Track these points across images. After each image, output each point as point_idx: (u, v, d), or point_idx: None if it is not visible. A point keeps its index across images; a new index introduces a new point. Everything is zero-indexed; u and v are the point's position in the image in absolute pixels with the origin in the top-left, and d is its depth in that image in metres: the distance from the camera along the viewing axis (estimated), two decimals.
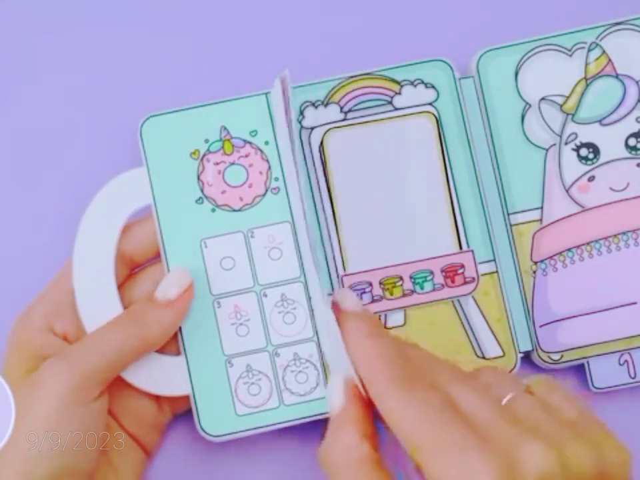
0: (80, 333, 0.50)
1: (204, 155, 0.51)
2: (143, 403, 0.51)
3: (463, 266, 0.52)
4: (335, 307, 0.47)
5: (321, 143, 0.52)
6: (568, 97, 0.53)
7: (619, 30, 0.53)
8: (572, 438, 0.41)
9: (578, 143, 0.53)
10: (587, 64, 0.53)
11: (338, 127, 0.52)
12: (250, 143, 0.52)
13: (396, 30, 0.55)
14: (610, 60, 0.53)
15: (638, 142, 0.53)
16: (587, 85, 0.53)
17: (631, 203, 0.53)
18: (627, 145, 0.53)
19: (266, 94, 0.52)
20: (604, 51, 0.53)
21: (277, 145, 0.51)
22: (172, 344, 0.51)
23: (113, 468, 0.50)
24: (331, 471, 0.44)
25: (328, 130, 0.52)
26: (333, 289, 0.52)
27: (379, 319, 0.52)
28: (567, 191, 0.53)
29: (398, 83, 0.52)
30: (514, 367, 0.51)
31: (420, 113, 0.52)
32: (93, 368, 0.47)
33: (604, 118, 0.53)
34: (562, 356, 0.52)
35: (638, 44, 0.53)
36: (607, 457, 0.42)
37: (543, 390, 0.44)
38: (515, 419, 0.42)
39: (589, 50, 0.53)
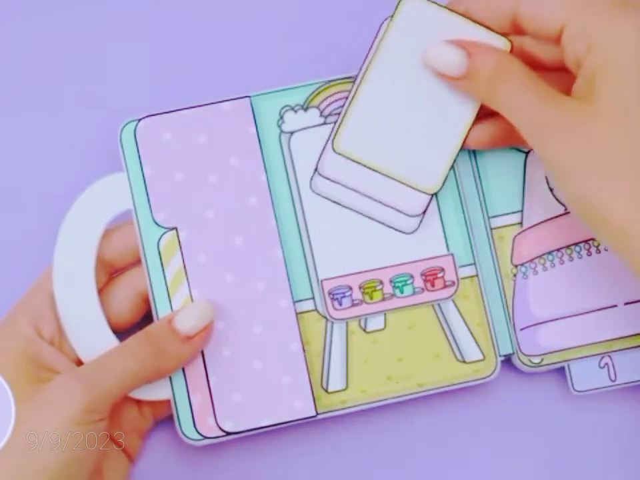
0: (64, 336, 0.50)
1: None
2: (124, 407, 0.51)
3: (443, 270, 0.52)
4: None
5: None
6: None
7: None
8: None
9: None
10: None
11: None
12: None
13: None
14: None
15: None
16: None
17: None
18: None
19: (249, 97, 0.52)
20: None
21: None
22: None
23: (98, 473, 0.50)
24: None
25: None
26: (312, 295, 0.52)
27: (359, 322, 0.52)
28: (551, 191, 0.53)
29: None
30: (494, 371, 0.52)
31: None
32: (106, 392, 0.47)
33: None
34: (542, 359, 0.52)
35: None
36: None
37: None
38: None
39: None
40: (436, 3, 0.50)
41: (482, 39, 0.49)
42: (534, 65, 0.49)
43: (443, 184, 0.51)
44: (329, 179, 0.51)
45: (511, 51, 0.49)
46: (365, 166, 0.50)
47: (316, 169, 0.52)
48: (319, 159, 0.51)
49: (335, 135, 0.50)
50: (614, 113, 0.44)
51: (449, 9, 0.49)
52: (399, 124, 0.50)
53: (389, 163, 0.50)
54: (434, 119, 0.50)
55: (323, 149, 0.51)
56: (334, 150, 0.50)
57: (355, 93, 0.50)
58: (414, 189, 0.51)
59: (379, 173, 0.50)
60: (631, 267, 0.45)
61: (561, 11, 0.46)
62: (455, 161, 0.51)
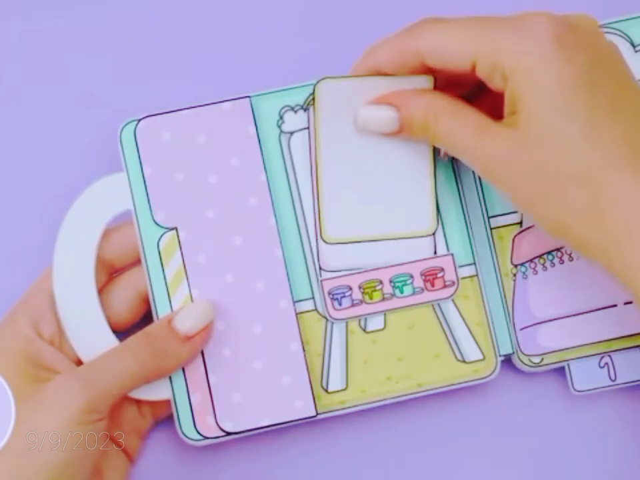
0: (64, 335, 0.50)
1: None
2: (124, 407, 0.51)
3: (442, 269, 0.52)
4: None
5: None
6: None
7: None
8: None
9: None
10: None
11: None
12: None
13: (375, 35, 0.55)
14: None
15: None
16: None
17: None
18: None
19: (249, 97, 0.52)
20: None
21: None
22: None
23: (98, 473, 0.50)
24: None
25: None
26: (312, 294, 0.52)
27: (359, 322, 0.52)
28: None
29: None
30: (494, 371, 0.52)
31: None
32: (106, 391, 0.47)
33: None
34: (542, 359, 0.52)
35: None
36: None
37: None
38: None
39: None
40: (347, 76, 0.50)
41: (404, 87, 0.49)
42: (463, 85, 0.50)
43: (438, 219, 0.51)
44: (335, 270, 0.52)
45: (435, 86, 0.49)
46: (361, 242, 0.51)
47: (321, 268, 0.52)
48: (318, 259, 0.52)
49: (321, 229, 0.51)
50: (537, 137, 0.44)
51: (361, 75, 0.49)
52: (371, 190, 0.51)
53: (381, 228, 0.51)
54: (399, 169, 0.51)
55: (317, 248, 0.52)
56: (326, 242, 0.51)
57: (317, 183, 0.51)
58: (415, 237, 0.51)
59: (377, 240, 0.51)
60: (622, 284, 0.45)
61: (466, 50, 0.46)
62: (436, 193, 0.51)
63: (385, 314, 0.52)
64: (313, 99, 0.50)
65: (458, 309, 0.52)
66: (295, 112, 0.52)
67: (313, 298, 0.52)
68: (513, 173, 0.45)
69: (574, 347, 0.52)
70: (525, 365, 0.52)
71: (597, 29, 0.46)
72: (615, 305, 0.52)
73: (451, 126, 0.47)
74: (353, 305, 0.52)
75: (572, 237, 0.45)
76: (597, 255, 0.44)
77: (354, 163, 0.51)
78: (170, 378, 0.50)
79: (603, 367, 0.53)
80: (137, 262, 0.52)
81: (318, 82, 0.49)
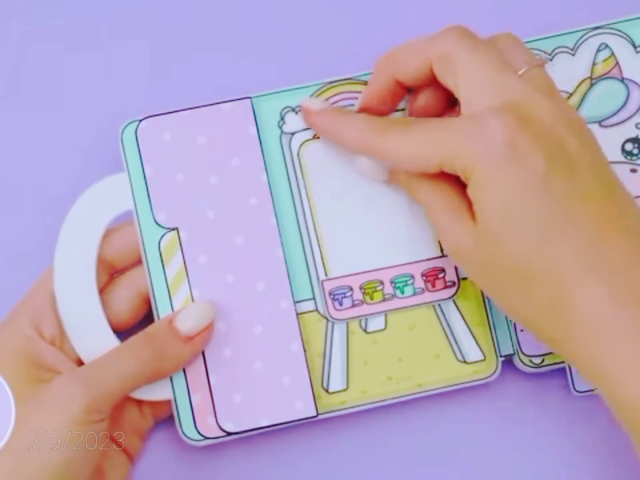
0: (65, 336, 0.50)
1: None
2: (124, 407, 0.51)
3: (443, 270, 0.52)
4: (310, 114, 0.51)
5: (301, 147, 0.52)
6: (571, 94, 0.53)
7: (598, 34, 0.53)
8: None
9: None
10: (594, 64, 0.53)
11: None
12: None
13: (376, 36, 0.56)
14: (617, 63, 0.53)
15: (634, 147, 0.53)
16: (592, 85, 0.53)
17: None
18: (623, 150, 0.53)
19: (250, 98, 0.52)
20: (612, 53, 0.53)
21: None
22: None
23: (99, 473, 0.50)
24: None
25: (310, 136, 0.52)
26: (313, 294, 0.52)
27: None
28: None
29: None
30: (494, 372, 0.52)
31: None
32: (107, 392, 0.47)
33: (604, 119, 0.53)
34: (543, 359, 0.52)
35: (617, 47, 0.53)
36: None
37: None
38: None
39: (598, 50, 0.53)
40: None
41: None
42: None
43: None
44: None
45: None
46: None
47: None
48: (323, 266, 0.52)
49: (325, 269, 0.52)
50: (490, 239, 0.45)
51: None
52: (373, 228, 0.52)
53: (391, 258, 0.52)
54: (394, 199, 0.52)
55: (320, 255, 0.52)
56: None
57: (317, 234, 0.52)
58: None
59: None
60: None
61: (428, 160, 0.46)
62: None
63: (385, 314, 0.52)
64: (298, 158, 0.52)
65: (459, 310, 0.52)
66: (296, 113, 0.52)
67: (314, 298, 0.52)
68: (474, 263, 0.46)
69: None
70: (526, 365, 0.52)
71: (558, 116, 0.45)
72: None
73: (428, 200, 0.48)
74: (353, 306, 0.52)
75: (536, 330, 0.46)
76: (561, 350, 0.46)
77: (351, 203, 0.52)
78: (170, 378, 0.50)
79: None
80: (138, 262, 0.52)
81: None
